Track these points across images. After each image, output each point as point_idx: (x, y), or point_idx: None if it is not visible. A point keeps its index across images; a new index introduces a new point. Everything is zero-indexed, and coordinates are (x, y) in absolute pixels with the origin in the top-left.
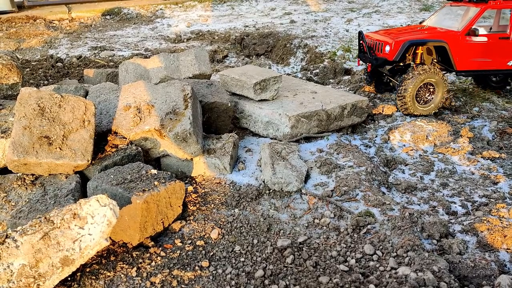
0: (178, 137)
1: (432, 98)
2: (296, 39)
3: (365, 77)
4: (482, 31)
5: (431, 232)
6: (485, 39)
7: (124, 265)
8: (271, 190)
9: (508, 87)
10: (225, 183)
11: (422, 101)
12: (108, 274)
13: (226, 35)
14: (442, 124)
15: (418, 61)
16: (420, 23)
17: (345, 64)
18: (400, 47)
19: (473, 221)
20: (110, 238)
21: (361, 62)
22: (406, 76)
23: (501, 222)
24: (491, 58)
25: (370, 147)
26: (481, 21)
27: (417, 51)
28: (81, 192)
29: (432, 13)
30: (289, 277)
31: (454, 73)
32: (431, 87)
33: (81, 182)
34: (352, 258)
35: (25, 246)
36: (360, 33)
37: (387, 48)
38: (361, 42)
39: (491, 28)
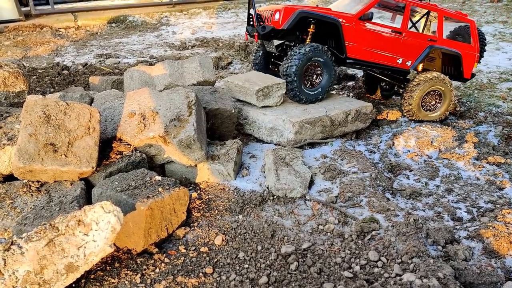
0: (182, 143)
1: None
2: None
3: (253, 64)
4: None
5: (436, 238)
6: (378, 28)
7: (129, 272)
8: (275, 196)
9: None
10: (229, 189)
11: (310, 85)
12: (113, 280)
13: (231, 42)
14: (447, 129)
15: (309, 40)
16: None
17: (349, 70)
18: (290, 14)
19: (478, 227)
20: (114, 244)
21: (249, 37)
22: (292, 53)
23: (507, 228)
24: (383, 51)
25: (374, 152)
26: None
27: (309, 30)
28: (86, 198)
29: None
30: (293, 284)
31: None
32: (318, 68)
33: (86, 189)
34: (356, 265)
35: (30, 252)
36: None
37: (277, 15)
38: (250, 12)
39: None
